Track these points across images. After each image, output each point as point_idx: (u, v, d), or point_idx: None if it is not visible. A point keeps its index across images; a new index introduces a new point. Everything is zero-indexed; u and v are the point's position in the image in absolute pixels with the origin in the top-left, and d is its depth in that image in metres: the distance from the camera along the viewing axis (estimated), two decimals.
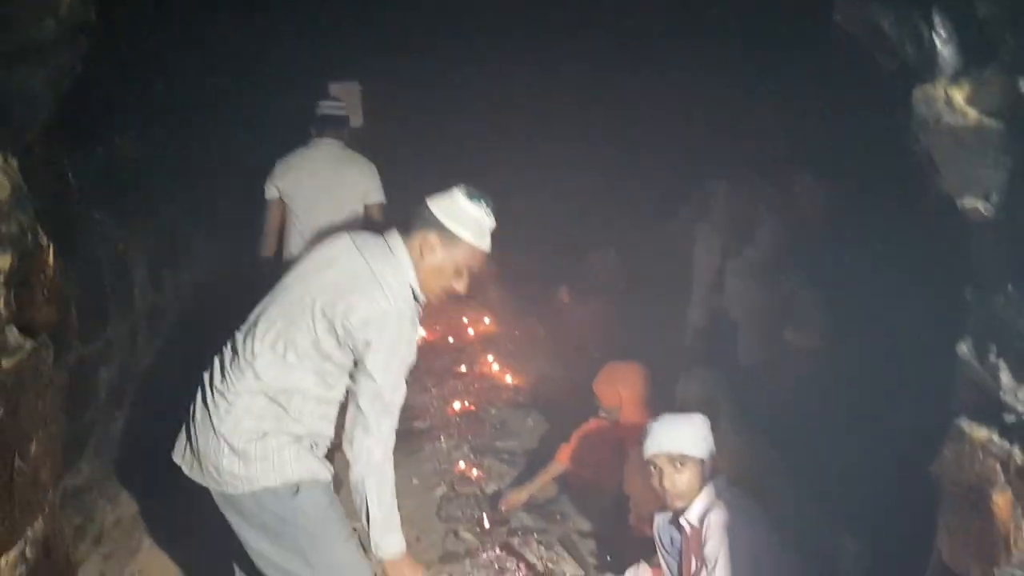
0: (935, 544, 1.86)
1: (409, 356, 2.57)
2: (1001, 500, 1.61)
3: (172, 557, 4.12)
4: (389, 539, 2.59)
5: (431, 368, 6.69)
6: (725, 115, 4.31)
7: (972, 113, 1.55)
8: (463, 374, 6.59)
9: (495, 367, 6.70)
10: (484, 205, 2.64)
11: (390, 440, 2.55)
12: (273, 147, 4.74)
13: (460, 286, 2.70)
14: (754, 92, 3.78)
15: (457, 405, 5.92)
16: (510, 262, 8.33)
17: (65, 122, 2.33)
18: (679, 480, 3.08)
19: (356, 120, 6.17)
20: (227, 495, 2.59)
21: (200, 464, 2.59)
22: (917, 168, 1.75)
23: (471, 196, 2.63)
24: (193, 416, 2.65)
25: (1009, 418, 1.62)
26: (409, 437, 5.53)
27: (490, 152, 7.95)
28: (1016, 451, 1.60)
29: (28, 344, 1.82)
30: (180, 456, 2.69)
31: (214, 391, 2.60)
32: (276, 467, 2.53)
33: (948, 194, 1.68)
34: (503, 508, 4.47)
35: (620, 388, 4.28)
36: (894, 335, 2.59)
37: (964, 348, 1.74)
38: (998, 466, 1.63)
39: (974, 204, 1.64)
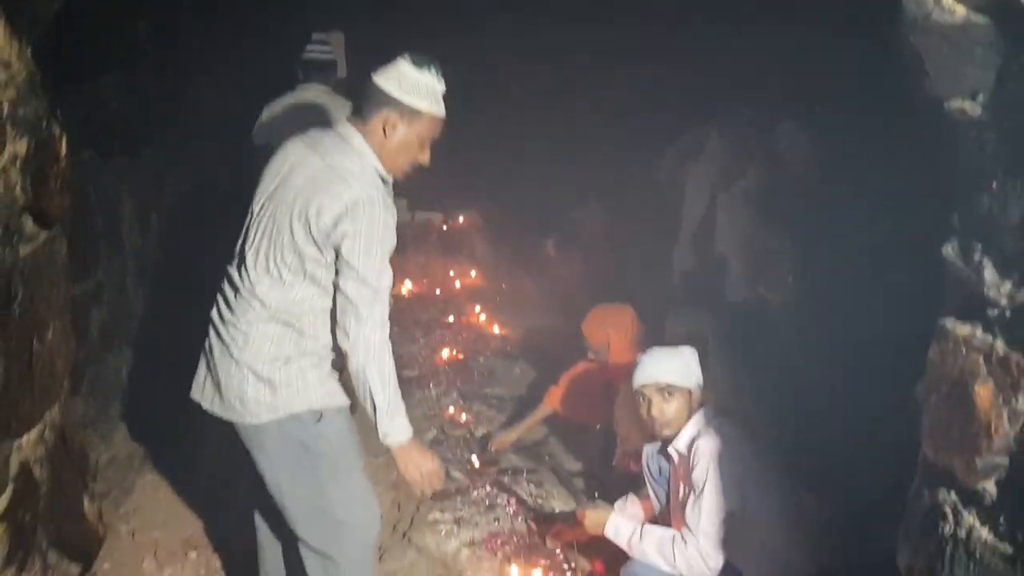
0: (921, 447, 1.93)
1: (388, 239, 2.52)
2: (983, 391, 1.66)
3: (166, 496, 4.18)
4: (396, 425, 2.57)
5: (418, 319, 6.72)
6: (713, 61, 4.33)
7: (960, 10, 1.57)
8: (451, 324, 6.61)
9: (482, 318, 6.73)
10: (433, 71, 2.59)
11: (385, 326, 2.52)
12: (261, 91, 4.71)
13: (424, 157, 2.67)
14: (742, 36, 3.80)
15: (445, 354, 5.96)
16: (497, 217, 8.40)
17: (49, 63, 2.32)
18: (667, 409, 3.14)
19: (340, 71, 6.13)
20: (250, 426, 2.60)
21: (222, 396, 2.59)
22: (904, 73, 1.78)
23: (419, 65, 2.56)
24: (210, 351, 2.64)
25: (992, 312, 1.68)
26: (399, 384, 5.57)
27: (475, 107, 7.93)
28: (998, 343, 1.65)
29: (43, 234, 1.84)
30: (199, 392, 2.69)
31: (227, 325, 2.59)
32: (300, 393, 2.55)
33: (936, 96, 1.71)
34: (492, 449, 4.53)
35: (609, 329, 4.32)
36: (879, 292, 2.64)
37: (949, 249, 1.79)
38: (981, 359, 1.68)
39: (960, 105, 1.68)
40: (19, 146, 1.74)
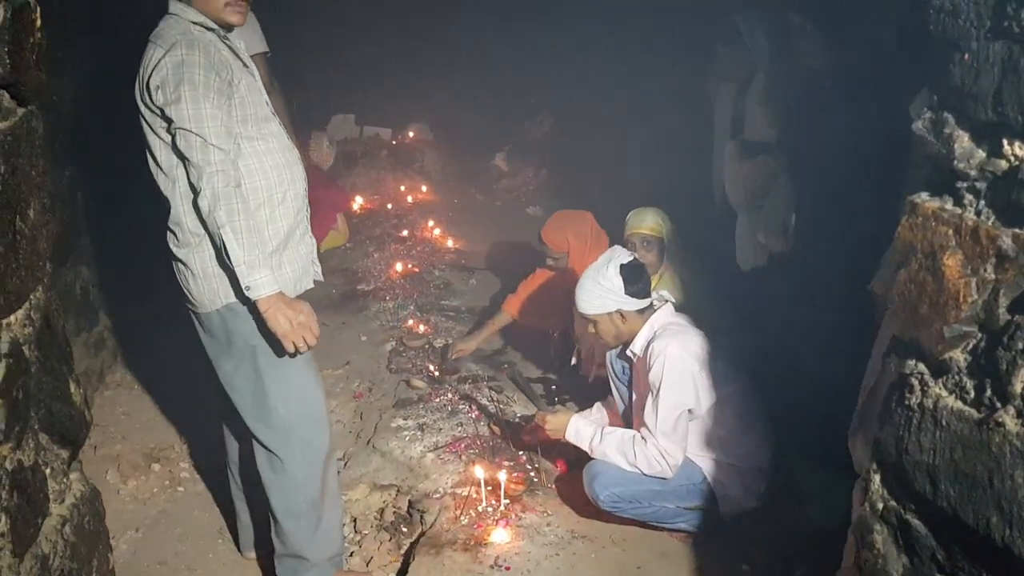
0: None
1: (196, 78, 2.38)
2: (951, 261, 1.69)
3: (125, 410, 4.16)
4: (257, 277, 2.42)
5: (371, 234, 6.67)
6: None
7: None
8: (404, 238, 6.57)
9: (436, 232, 6.70)
10: None
11: (225, 173, 2.40)
12: None
13: None
14: None
15: (400, 268, 5.93)
16: (447, 132, 8.30)
17: None
18: (604, 331, 3.21)
19: None
20: (200, 315, 2.65)
21: (182, 290, 2.66)
22: None
23: None
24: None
25: (962, 185, 1.70)
26: (354, 297, 5.56)
27: (431, 16, 7.77)
28: (968, 215, 1.68)
29: (20, 110, 1.78)
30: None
31: (166, 228, 2.59)
32: (231, 283, 2.54)
33: None
34: (452, 357, 4.54)
35: (568, 234, 4.32)
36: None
37: (919, 125, 1.80)
38: (950, 231, 1.70)
39: None
40: None
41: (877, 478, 1.94)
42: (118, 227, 4.50)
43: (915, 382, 1.81)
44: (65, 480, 2.01)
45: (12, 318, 1.72)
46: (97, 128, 4.25)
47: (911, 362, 1.83)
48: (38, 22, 1.80)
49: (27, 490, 1.75)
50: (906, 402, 1.82)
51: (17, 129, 1.74)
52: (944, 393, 1.74)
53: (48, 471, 1.90)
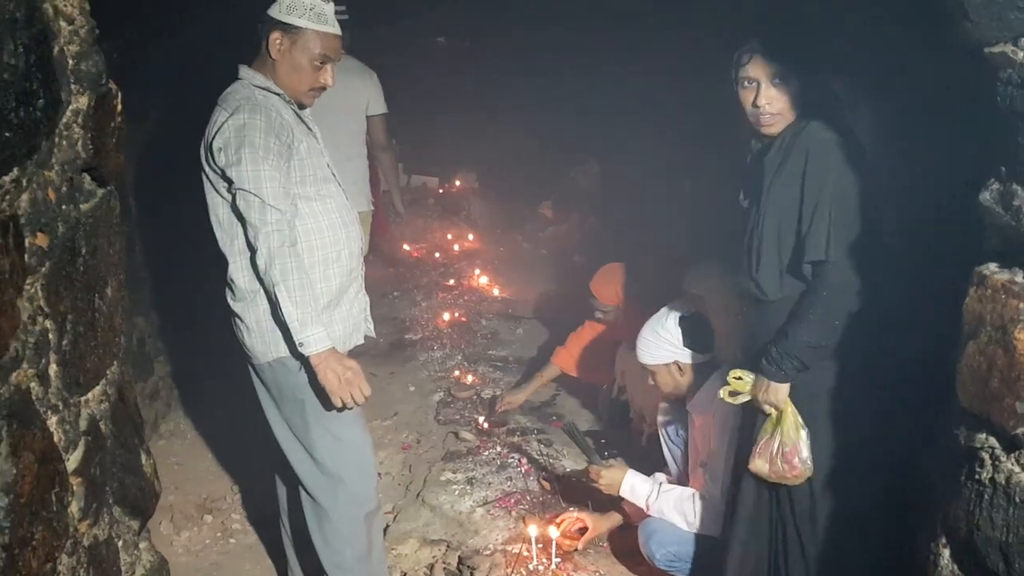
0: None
1: (257, 141, 2.45)
2: (1023, 335, 1.67)
3: (178, 460, 4.21)
4: (310, 334, 2.47)
5: (419, 283, 6.72)
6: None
7: None
8: (451, 287, 6.61)
9: (483, 280, 6.73)
10: None
11: (281, 232, 2.47)
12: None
13: (325, 78, 2.65)
14: None
15: (447, 317, 5.96)
16: (494, 180, 8.38)
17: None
18: (664, 382, 3.19)
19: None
20: (254, 367, 2.71)
21: (239, 342, 2.72)
22: (943, 20, 1.77)
23: None
24: None
25: None
26: (402, 347, 5.59)
27: (478, 67, 7.88)
28: None
29: (99, 191, 1.85)
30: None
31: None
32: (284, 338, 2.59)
33: (977, 40, 1.71)
34: (500, 409, 4.54)
35: (618, 288, 4.31)
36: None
37: (987, 195, 1.79)
38: (1020, 305, 1.69)
39: (1003, 49, 1.68)
40: (81, 101, 1.73)
41: (947, 553, 1.90)
42: (174, 278, 4.59)
43: (986, 456, 1.78)
44: (136, 551, 2.04)
45: (90, 395, 1.77)
46: (158, 182, 4.35)
47: (981, 435, 1.80)
48: (119, 107, 1.87)
49: (102, 564, 1.78)
50: (977, 476, 1.78)
51: (97, 210, 1.81)
52: (1017, 469, 1.71)
53: (120, 543, 1.93)
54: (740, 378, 2.62)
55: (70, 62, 1.77)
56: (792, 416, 2.50)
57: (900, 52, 2.54)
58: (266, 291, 2.51)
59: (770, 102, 2.47)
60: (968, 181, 1.86)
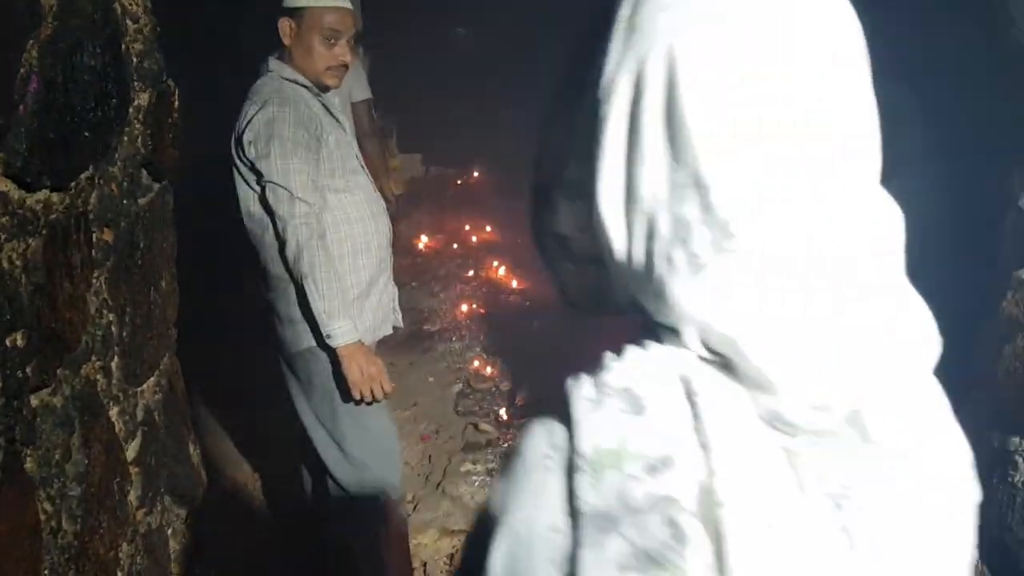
0: None
1: (286, 135, 2.49)
2: None
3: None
4: (337, 327, 2.52)
5: (436, 274, 6.74)
6: None
7: None
8: (469, 279, 6.64)
9: (501, 272, 6.76)
10: None
11: (309, 225, 2.50)
12: None
13: (340, 53, 2.65)
14: None
15: (466, 308, 5.99)
16: (512, 172, 8.37)
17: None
18: None
19: (358, 23, 6.07)
20: (286, 356, 2.75)
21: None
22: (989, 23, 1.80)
23: None
24: None
25: None
26: (420, 338, 5.62)
27: (495, 63, 7.88)
28: None
29: (156, 186, 1.89)
30: None
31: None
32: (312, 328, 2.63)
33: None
34: (519, 403, 4.58)
35: None
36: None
37: None
38: None
39: None
40: (142, 98, 1.77)
41: (977, 555, 1.94)
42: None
43: (1019, 460, 1.82)
44: (184, 539, 2.09)
45: (145, 386, 1.81)
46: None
47: (1016, 439, 1.84)
48: (176, 103, 1.92)
49: (155, 552, 1.84)
50: (1009, 479, 1.83)
51: (154, 204, 1.86)
52: None
53: (170, 531, 1.98)
54: None
55: (134, 60, 1.81)
56: None
57: (935, 54, 2.55)
58: (295, 282, 2.55)
59: None
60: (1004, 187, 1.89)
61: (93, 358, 1.61)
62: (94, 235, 1.63)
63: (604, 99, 0.64)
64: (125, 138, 1.78)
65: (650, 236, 0.63)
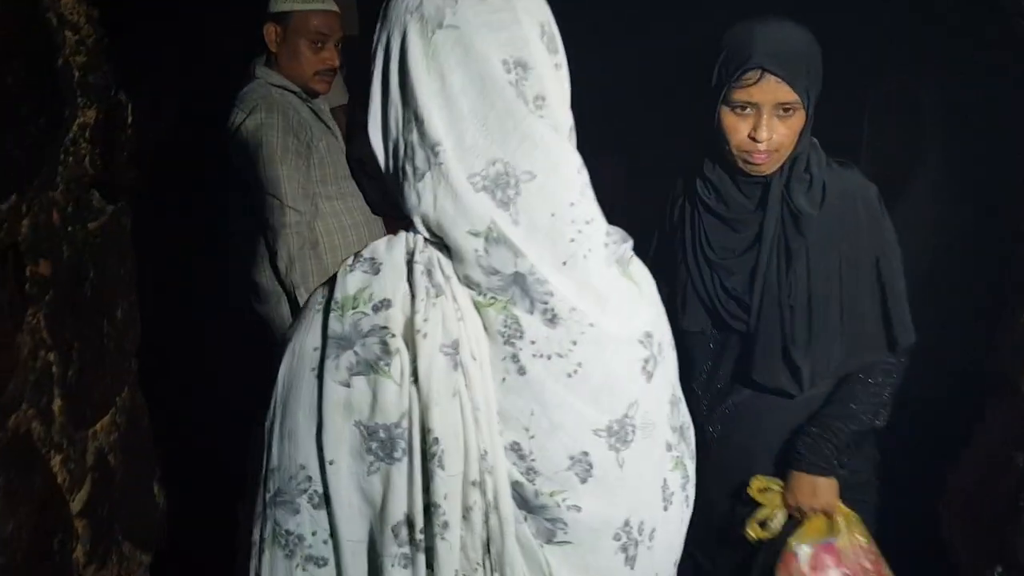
0: None
1: (283, 139, 2.37)
2: None
3: None
4: None
5: None
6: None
7: None
8: None
9: None
10: None
11: (300, 231, 2.39)
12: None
13: (328, 57, 2.54)
14: None
15: None
16: None
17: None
18: None
19: (351, 28, 5.89)
20: None
21: None
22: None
23: None
24: None
25: None
26: None
27: None
28: None
29: (109, 208, 1.74)
30: None
31: None
32: None
33: None
34: None
35: None
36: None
37: None
38: None
39: None
40: (88, 115, 1.62)
41: None
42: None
43: None
44: None
45: (98, 426, 1.66)
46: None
47: None
48: (129, 119, 1.77)
49: None
50: None
51: (107, 228, 1.71)
52: None
53: None
54: (767, 489, 1.80)
55: (76, 74, 1.65)
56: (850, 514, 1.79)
57: (939, 57, 2.39)
58: (287, 294, 2.43)
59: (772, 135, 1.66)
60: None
61: (24, 406, 1.45)
62: (27, 268, 1.47)
63: (372, 64, 0.94)
64: (70, 159, 1.63)
65: (395, 155, 0.92)
